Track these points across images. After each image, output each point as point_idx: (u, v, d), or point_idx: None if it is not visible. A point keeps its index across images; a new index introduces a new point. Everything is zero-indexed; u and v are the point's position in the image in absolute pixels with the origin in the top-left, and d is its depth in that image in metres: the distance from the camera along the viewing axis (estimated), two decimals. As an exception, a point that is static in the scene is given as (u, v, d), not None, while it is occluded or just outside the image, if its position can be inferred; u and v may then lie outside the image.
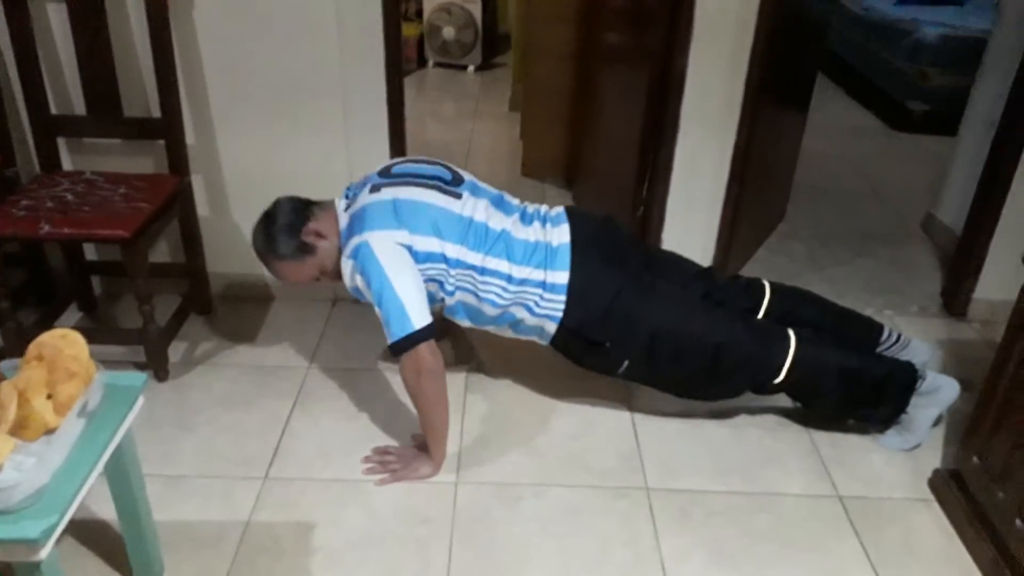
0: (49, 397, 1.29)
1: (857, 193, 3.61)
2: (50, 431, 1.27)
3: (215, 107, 2.29)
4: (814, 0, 2.83)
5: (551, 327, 1.90)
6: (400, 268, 1.75)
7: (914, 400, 1.99)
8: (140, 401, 1.42)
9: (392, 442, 1.99)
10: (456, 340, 2.38)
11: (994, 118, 2.51)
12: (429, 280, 1.84)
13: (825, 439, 2.06)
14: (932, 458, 2.00)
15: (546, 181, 3.55)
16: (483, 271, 1.84)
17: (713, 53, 2.24)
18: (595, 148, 3.05)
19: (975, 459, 1.77)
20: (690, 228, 2.47)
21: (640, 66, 2.41)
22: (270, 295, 2.58)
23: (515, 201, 2.02)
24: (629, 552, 1.72)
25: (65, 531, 1.21)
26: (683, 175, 2.40)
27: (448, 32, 5.07)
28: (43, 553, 1.15)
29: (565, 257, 1.87)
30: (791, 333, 1.94)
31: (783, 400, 2.15)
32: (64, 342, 1.34)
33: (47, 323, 2.25)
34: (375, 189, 1.87)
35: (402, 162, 2.00)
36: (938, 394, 1.98)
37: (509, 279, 1.85)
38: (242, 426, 2.02)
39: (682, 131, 2.34)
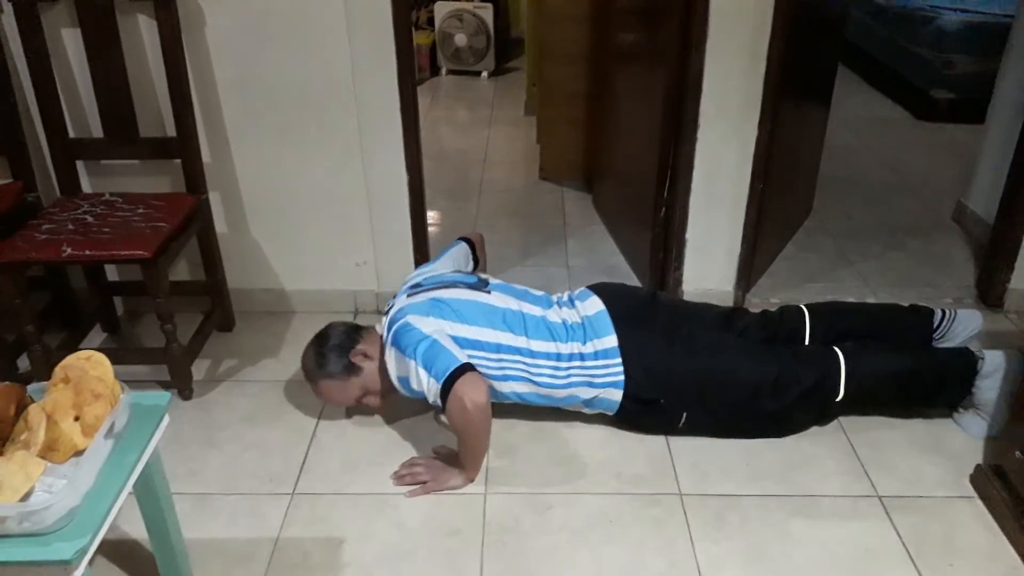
0: (76, 419, 1.29)
1: (885, 185, 3.55)
2: (79, 453, 1.27)
3: (230, 124, 2.29)
4: (831, -10, 2.79)
5: (617, 395, 1.91)
6: (439, 332, 1.81)
7: (979, 384, 1.97)
8: (166, 420, 1.42)
9: (416, 453, 1.97)
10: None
11: (1022, 103, 2.45)
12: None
13: (863, 439, 2.01)
14: (973, 454, 1.95)
15: (564, 184, 3.53)
16: (531, 353, 1.89)
17: (730, 49, 2.20)
18: (613, 149, 3.02)
19: (1018, 453, 1.72)
20: (714, 227, 2.43)
21: (656, 65, 2.38)
22: (291, 309, 2.58)
23: (539, 292, 2.09)
24: (663, 560, 1.68)
25: (97, 551, 1.21)
26: (705, 174, 2.36)
27: (460, 39, 5.07)
28: (76, 574, 1.15)
29: (605, 322, 1.94)
30: (838, 351, 1.95)
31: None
32: (89, 364, 1.34)
33: (72, 345, 2.26)
34: (411, 295, 1.97)
35: (427, 274, 2.08)
36: (1001, 372, 1.96)
37: (558, 357, 1.90)
38: (268, 442, 2.02)
39: (702, 129, 2.30)
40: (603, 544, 1.72)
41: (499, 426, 2.05)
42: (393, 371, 1.88)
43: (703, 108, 2.27)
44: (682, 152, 2.34)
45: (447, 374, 1.72)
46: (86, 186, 2.31)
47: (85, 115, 2.25)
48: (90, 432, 1.28)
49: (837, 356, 1.94)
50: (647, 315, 2.02)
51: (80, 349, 1.43)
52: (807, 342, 2.07)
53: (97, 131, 2.23)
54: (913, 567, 1.66)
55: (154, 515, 1.48)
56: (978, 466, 1.87)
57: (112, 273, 2.48)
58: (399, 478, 1.88)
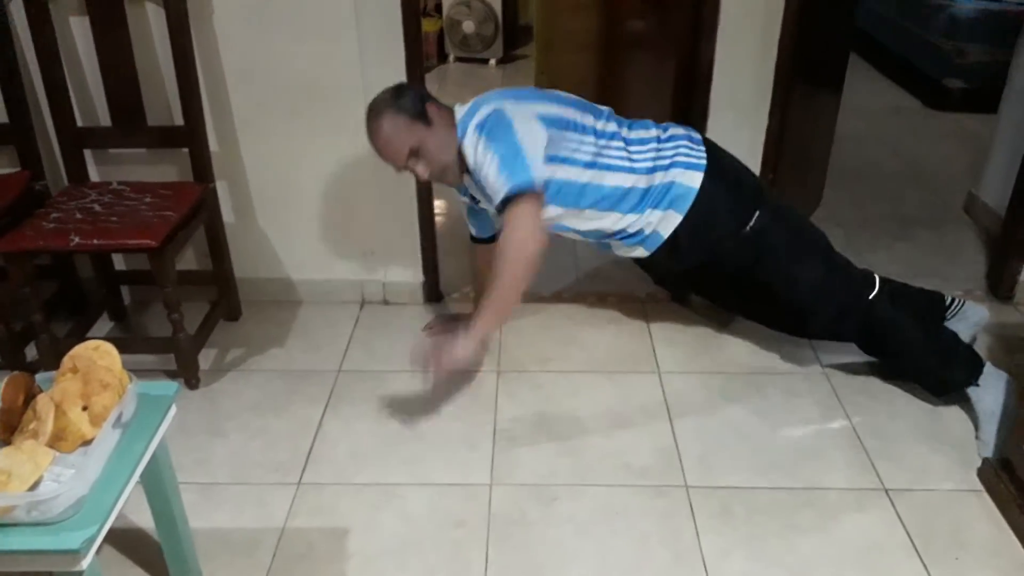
0: (84, 409, 1.30)
1: (895, 175, 3.52)
2: (87, 442, 1.28)
3: (237, 113, 2.29)
4: (843, -22, 2.75)
5: (697, 179, 1.89)
6: (534, 133, 1.75)
7: (981, 383, 2.00)
8: (173, 410, 1.42)
9: (423, 445, 1.97)
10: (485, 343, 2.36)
11: (1036, 92, 2.42)
12: (559, 160, 1.84)
13: (869, 431, 2.00)
14: (981, 447, 1.93)
15: (573, 174, 3.51)
16: (629, 141, 1.90)
17: (741, 37, 2.18)
18: (621, 139, 3.00)
19: (1027, 447, 1.71)
20: (722, 217, 2.42)
21: (666, 53, 2.37)
22: (298, 299, 2.58)
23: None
24: (669, 552, 1.68)
25: (104, 540, 1.21)
26: (713, 163, 2.34)
27: (468, 26, 5.05)
28: (84, 563, 1.16)
29: (701, 148, 1.96)
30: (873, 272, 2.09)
31: (824, 393, 2.10)
32: (97, 354, 1.35)
33: (79, 334, 2.27)
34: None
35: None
36: (1000, 383, 2.00)
37: (658, 140, 1.92)
38: (274, 432, 2.02)
39: (712, 118, 2.28)
40: (609, 536, 1.72)
41: (504, 418, 2.06)
42: (470, 156, 1.79)
43: (713, 97, 2.26)
44: (691, 142, 2.32)
45: (519, 188, 1.67)
46: (94, 175, 2.31)
47: (93, 104, 2.25)
48: (98, 422, 1.29)
49: (871, 273, 2.09)
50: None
51: (87, 338, 1.44)
52: None
53: (105, 120, 2.23)
54: (919, 560, 1.65)
55: (161, 505, 1.49)
56: (985, 459, 1.86)
57: (119, 262, 2.48)
58: (419, 364, 1.80)
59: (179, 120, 2.18)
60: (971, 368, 2.01)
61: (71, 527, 1.15)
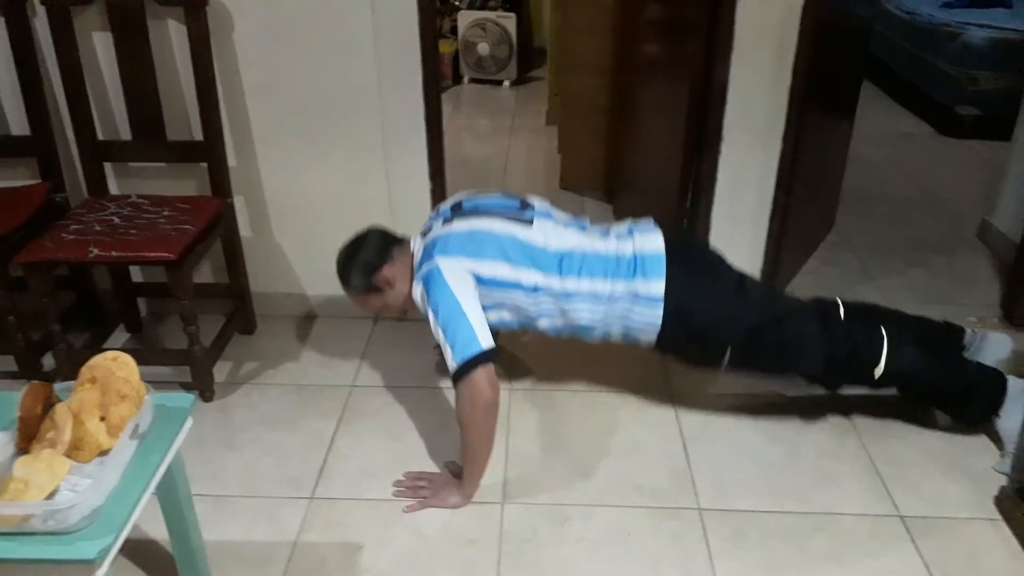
0: (102, 419, 1.30)
1: (908, 201, 3.52)
2: (104, 453, 1.29)
3: (256, 129, 2.31)
4: (857, 5, 2.77)
5: (651, 336, 1.89)
6: (468, 292, 1.77)
7: (1007, 406, 1.97)
8: (189, 422, 1.42)
9: (435, 463, 1.97)
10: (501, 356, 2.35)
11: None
12: (501, 308, 1.86)
13: (884, 457, 1.99)
14: (998, 475, 1.92)
15: (585, 194, 3.53)
16: (567, 295, 1.85)
17: (755, 62, 2.20)
18: (635, 160, 3.01)
19: (1045, 476, 1.70)
20: (736, 240, 2.42)
21: (680, 77, 2.38)
22: (312, 314, 2.59)
23: (579, 220, 2.01)
24: (681, 574, 1.66)
25: (119, 551, 1.20)
26: (727, 186, 2.36)
27: (483, 48, 5.09)
28: (99, 573, 1.15)
29: (659, 265, 1.85)
30: (882, 329, 1.95)
31: (839, 417, 2.09)
32: (116, 364, 1.35)
33: (96, 345, 2.28)
34: (447, 222, 1.92)
35: (471, 197, 2.02)
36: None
37: (596, 298, 1.85)
38: (287, 446, 2.02)
39: (725, 141, 2.29)
40: (621, 558, 1.70)
41: (517, 436, 2.05)
42: (419, 305, 1.84)
43: (727, 120, 2.27)
44: (705, 164, 2.34)
45: (467, 358, 1.70)
46: (113, 188, 2.33)
47: (114, 118, 2.28)
48: (115, 432, 1.29)
49: (881, 332, 1.94)
50: (702, 261, 2.00)
51: (103, 349, 1.44)
52: None
53: (125, 133, 2.25)
54: (935, 589, 1.64)
55: (175, 516, 1.49)
56: (1003, 487, 1.84)
57: (136, 274, 2.50)
58: (399, 490, 1.88)
59: (198, 135, 2.21)
60: (989, 404, 1.99)
61: (87, 537, 1.15)
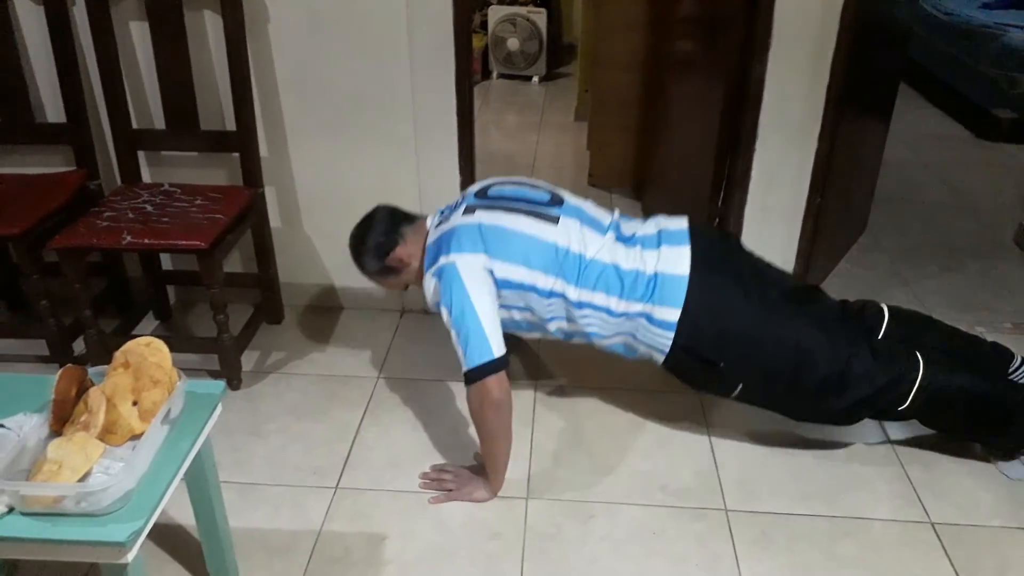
0: (135, 403, 1.31)
1: (943, 204, 3.46)
2: (136, 437, 1.30)
3: (288, 121, 2.32)
4: (896, 5, 2.72)
5: (659, 357, 1.85)
6: (483, 294, 1.74)
7: None
8: (219, 409, 1.43)
9: (459, 455, 1.97)
10: (522, 353, 2.35)
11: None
12: (512, 308, 1.83)
13: (916, 462, 1.95)
14: (1033, 485, 1.88)
15: (613, 191, 3.51)
16: (580, 304, 1.80)
17: (793, 60, 2.17)
18: (666, 157, 2.99)
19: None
20: (768, 240, 2.39)
21: (714, 74, 2.35)
22: (340, 305, 2.60)
23: (606, 220, 1.91)
24: (708, 575, 1.65)
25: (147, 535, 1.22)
26: (761, 185, 2.33)
27: (513, 43, 5.08)
28: (129, 556, 1.17)
29: (678, 289, 1.76)
30: (919, 355, 1.82)
31: (868, 421, 2.06)
32: (149, 350, 1.36)
33: (126, 331, 2.31)
34: (468, 211, 1.85)
35: (500, 183, 1.97)
36: None
37: (609, 312, 1.80)
38: (313, 435, 2.03)
39: (760, 140, 2.27)
40: (645, 557, 1.69)
41: (541, 433, 2.05)
42: (429, 296, 1.82)
43: (763, 119, 2.24)
44: (739, 162, 2.31)
45: (478, 365, 1.68)
46: (146, 176, 2.35)
47: (148, 107, 2.30)
48: (147, 417, 1.30)
49: (917, 362, 1.80)
50: (735, 275, 1.85)
51: (134, 335, 1.45)
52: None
53: (159, 123, 2.27)
54: (967, 598, 1.61)
55: (203, 502, 1.50)
56: (1038, 498, 1.81)
57: (167, 262, 2.52)
58: (426, 481, 1.88)
59: (231, 125, 2.22)
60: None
61: (118, 520, 1.16)
